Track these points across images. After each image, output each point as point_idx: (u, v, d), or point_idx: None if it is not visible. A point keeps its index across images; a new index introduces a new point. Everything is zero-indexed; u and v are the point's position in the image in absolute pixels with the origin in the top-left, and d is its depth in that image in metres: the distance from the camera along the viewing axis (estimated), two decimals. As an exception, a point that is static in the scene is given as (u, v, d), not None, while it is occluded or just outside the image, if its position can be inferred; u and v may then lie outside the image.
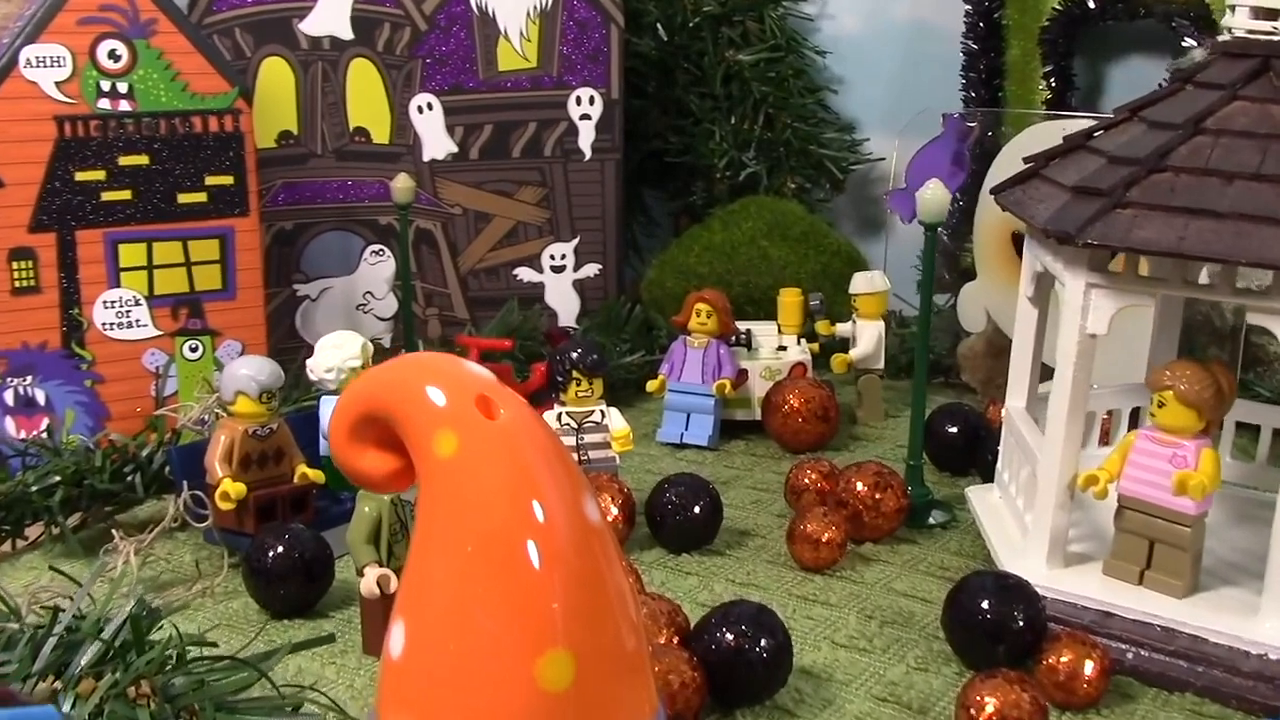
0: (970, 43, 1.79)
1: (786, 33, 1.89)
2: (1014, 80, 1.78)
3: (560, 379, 1.13)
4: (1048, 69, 1.75)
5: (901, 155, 1.60)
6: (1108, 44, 1.78)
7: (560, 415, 1.15)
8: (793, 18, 1.93)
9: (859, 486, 1.12)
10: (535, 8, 1.69)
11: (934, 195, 1.12)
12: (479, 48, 1.67)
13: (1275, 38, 0.95)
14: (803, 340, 1.50)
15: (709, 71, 1.89)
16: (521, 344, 1.59)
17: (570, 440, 1.14)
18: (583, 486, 0.64)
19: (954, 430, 1.31)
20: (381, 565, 0.92)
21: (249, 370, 1.09)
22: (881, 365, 1.48)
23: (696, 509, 1.10)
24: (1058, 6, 1.73)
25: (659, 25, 1.91)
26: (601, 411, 1.15)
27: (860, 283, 1.47)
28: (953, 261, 1.72)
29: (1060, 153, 1.06)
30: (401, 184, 1.47)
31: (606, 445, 1.15)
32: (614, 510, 1.08)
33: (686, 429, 1.40)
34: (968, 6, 1.79)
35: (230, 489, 1.07)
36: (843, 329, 1.51)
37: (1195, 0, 1.66)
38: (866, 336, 1.47)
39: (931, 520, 1.19)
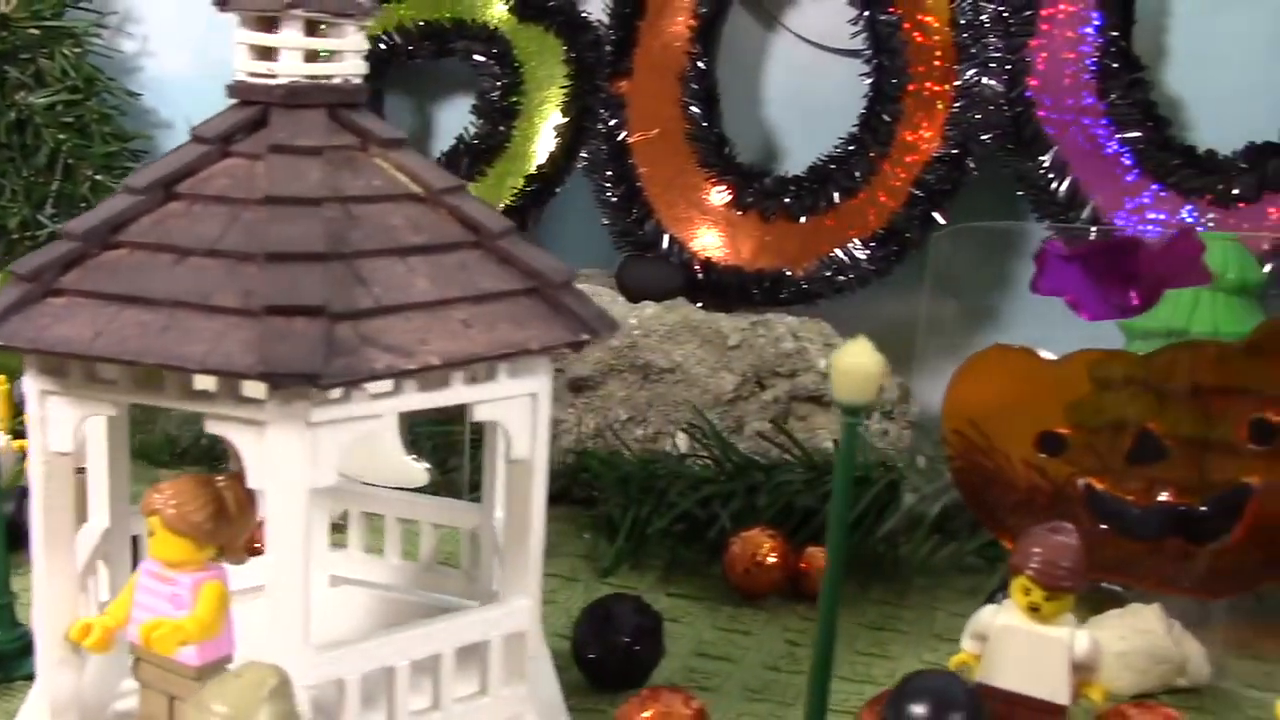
0: (283, 83, 1.61)
1: (85, 72, 1.66)
2: (330, 123, 1.61)
3: None
4: (359, 111, 1.59)
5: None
6: (419, 84, 1.64)
7: None
8: (98, 55, 1.70)
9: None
10: None
11: None
12: None
13: (274, 82, 0.79)
14: (6, 439, 1.27)
15: (-4, 117, 1.64)
16: None
17: None
18: None
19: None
20: None
21: None
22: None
23: None
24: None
25: (-65, 63, 1.65)
26: None
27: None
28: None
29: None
30: None
31: None
32: None
33: None
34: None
35: None
36: (61, 420, 1.28)
37: (496, 37, 1.54)
38: (75, 429, 1.24)
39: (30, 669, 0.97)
